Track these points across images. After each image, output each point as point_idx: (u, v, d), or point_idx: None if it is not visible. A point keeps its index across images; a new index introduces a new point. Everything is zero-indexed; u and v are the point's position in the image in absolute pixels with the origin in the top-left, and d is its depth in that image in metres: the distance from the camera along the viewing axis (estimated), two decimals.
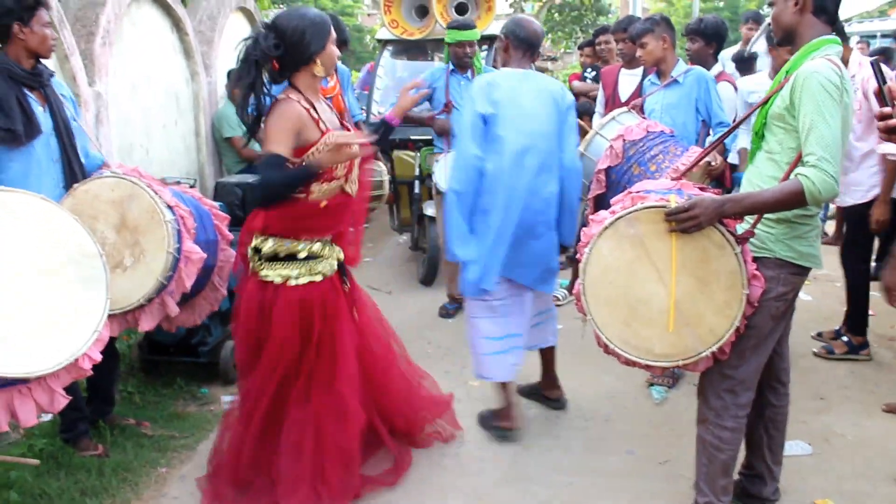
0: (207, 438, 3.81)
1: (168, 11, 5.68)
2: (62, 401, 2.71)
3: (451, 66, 5.35)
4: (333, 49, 3.02)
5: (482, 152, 3.48)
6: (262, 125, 2.97)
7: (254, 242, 3.06)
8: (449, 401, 3.85)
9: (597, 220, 2.71)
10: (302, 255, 3.06)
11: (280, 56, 2.91)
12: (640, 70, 5.29)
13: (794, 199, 2.44)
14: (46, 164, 3.27)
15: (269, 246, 3.03)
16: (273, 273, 3.04)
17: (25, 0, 3.15)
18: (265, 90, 2.93)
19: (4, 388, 2.54)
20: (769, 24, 7.03)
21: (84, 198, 3.22)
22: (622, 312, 2.61)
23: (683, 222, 2.49)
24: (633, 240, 2.58)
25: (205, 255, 3.38)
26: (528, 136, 3.51)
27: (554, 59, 18.25)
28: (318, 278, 3.09)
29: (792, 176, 2.47)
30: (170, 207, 3.28)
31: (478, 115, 3.49)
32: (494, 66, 6.12)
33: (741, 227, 2.62)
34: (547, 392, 4.10)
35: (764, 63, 6.54)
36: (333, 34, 3.02)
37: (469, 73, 5.33)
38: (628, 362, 2.68)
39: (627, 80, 5.50)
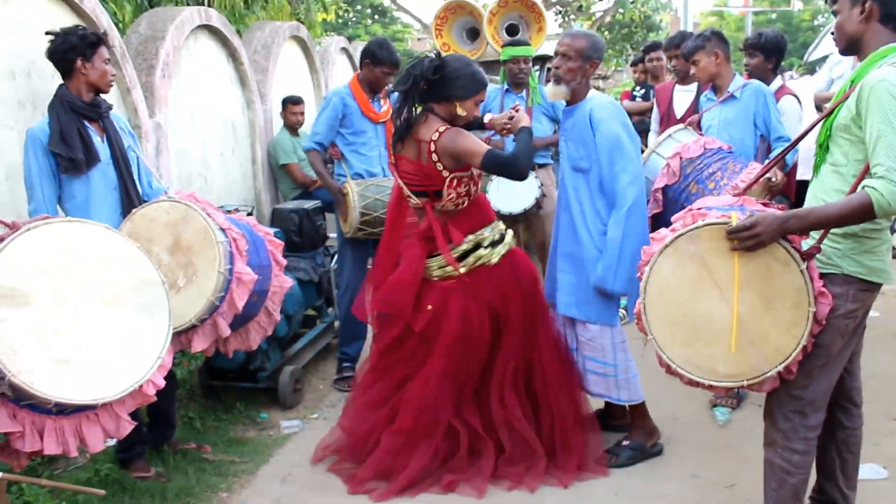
0: (267, 463, 3.85)
1: (224, 42, 5.80)
2: (128, 426, 2.76)
3: (506, 86, 5.36)
4: (474, 108, 3.47)
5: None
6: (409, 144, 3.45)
7: (460, 250, 3.51)
8: None
9: (657, 239, 2.67)
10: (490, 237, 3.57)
11: (431, 82, 3.34)
12: (694, 86, 5.23)
13: (861, 213, 2.35)
14: (105, 192, 3.42)
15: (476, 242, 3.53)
16: (490, 253, 3.54)
17: (89, 37, 3.34)
18: (414, 103, 3.42)
19: (73, 414, 2.60)
20: (822, 37, 6.91)
21: (141, 222, 3.31)
22: (684, 332, 2.56)
23: (745, 240, 2.44)
24: (695, 258, 2.53)
25: (256, 277, 3.42)
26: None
27: (605, 78, 18.23)
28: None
29: (859, 188, 2.38)
30: (222, 230, 3.34)
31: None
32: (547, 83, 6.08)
33: (806, 244, 2.55)
34: (613, 421, 4.02)
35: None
36: (483, 95, 3.49)
37: (524, 93, 5.33)
38: (691, 382, 2.62)
39: (682, 97, 5.45)
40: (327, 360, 5.22)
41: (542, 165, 5.42)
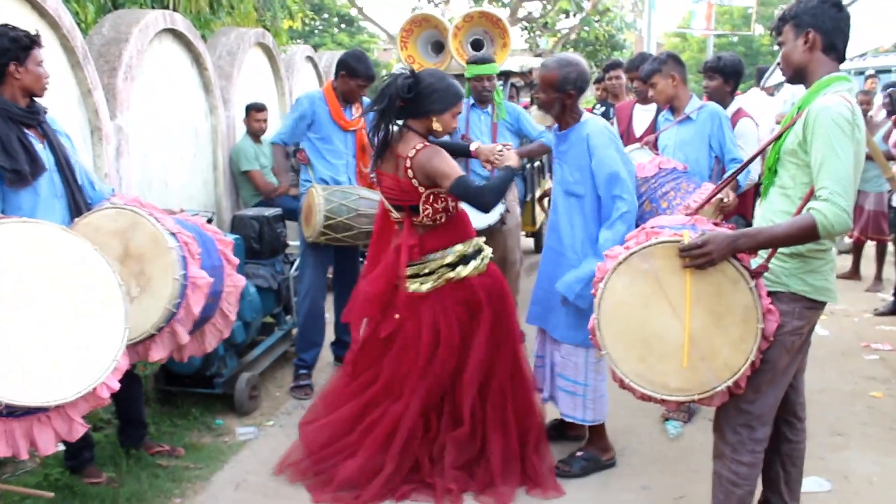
0: (222, 469, 3.83)
1: (189, 47, 5.78)
2: (80, 429, 2.73)
3: (472, 101, 5.42)
4: (451, 120, 3.50)
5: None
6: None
7: (435, 259, 3.55)
8: None
9: (611, 256, 2.72)
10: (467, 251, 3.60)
11: (406, 99, 3.38)
12: (654, 105, 5.33)
13: (807, 234, 2.45)
14: (51, 201, 3.25)
15: (450, 257, 3.55)
16: (466, 270, 3.56)
17: (21, 39, 3.13)
18: (390, 120, 3.44)
19: (24, 416, 2.57)
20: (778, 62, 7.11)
21: (85, 231, 3.15)
22: (637, 347, 2.62)
23: (697, 258, 2.51)
24: (648, 275, 2.59)
25: (212, 280, 3.36)
26: None
27: None
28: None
29: (804, 210, 2.49)
30: (173, 234, 3.26)
31: None
32: (511, 100, 6.16)
33: (755, 262, 2.63)
34: (570, 430, 4.07)
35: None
36: (459, 108, 3.54)
37: (489, 108, 5.39)
38: (644, 397, 2.68)
39: (642, 116, 5.54)
40: (284, 368, 5.20)
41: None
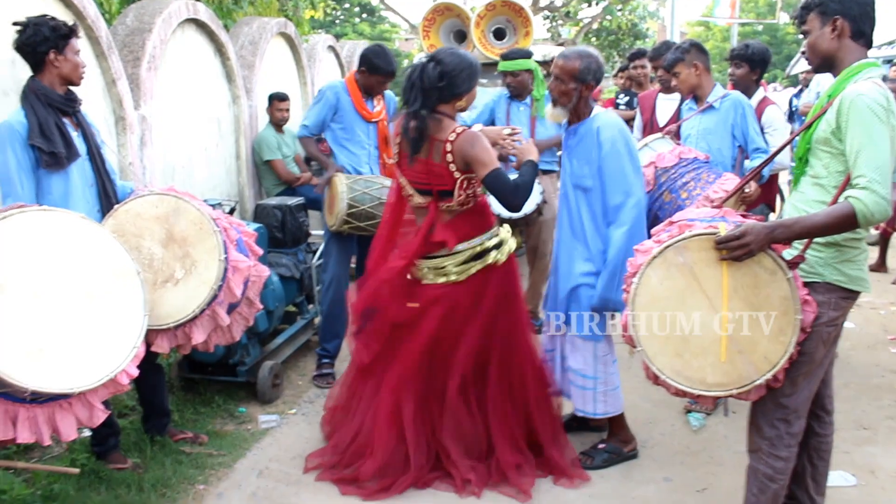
0: (245, 457, 3.86)
1: (211, 37, 5.80)
2: (101, 415, 2.77)
3: (509, 95, 5.41)
4: (473, 94, 3.26)
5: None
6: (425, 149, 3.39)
7: (460, 249, 3.47)
8: None
9: (642, 250, 2.69)
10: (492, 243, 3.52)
11: (438, 87, 3.32)
12: (678, 95, 5.28)
13: (845, 222, 2.42)
14: (82, 189, 3.35)
15: (473, 245, 3.48)
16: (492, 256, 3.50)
17: (60, 28, 3.25)
18: (421, 113, 3.32)
19: (46, 403, 2.60)
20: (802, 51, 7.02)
21: (126, 217, 3.28)
22: (673, 343, 2.59)
23: (735, 250, 2.49)
24: (683, 268, 2.56)
25: (251, 263, 3.43)
26: None
27: None
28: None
29: (842, 199, 2.45)
30: (213, 219, 3.33)
31: None
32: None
33: (788, 253, 2.59)
34: (592, 420, 4.05)
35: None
36: (479, 78, 3.41)
37: (528, 100, 5.38)
38: (679, 392, 2.64)
39: (665, 105, 5.50)
40: (307, 357, 5.23)
41: (546, 172, 5.45)
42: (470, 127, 3.56)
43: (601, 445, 3.81)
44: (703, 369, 2.57)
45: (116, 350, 2.75)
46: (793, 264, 2.54)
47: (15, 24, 3.27)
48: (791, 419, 2.72)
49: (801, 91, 7.77)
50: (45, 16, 3.29)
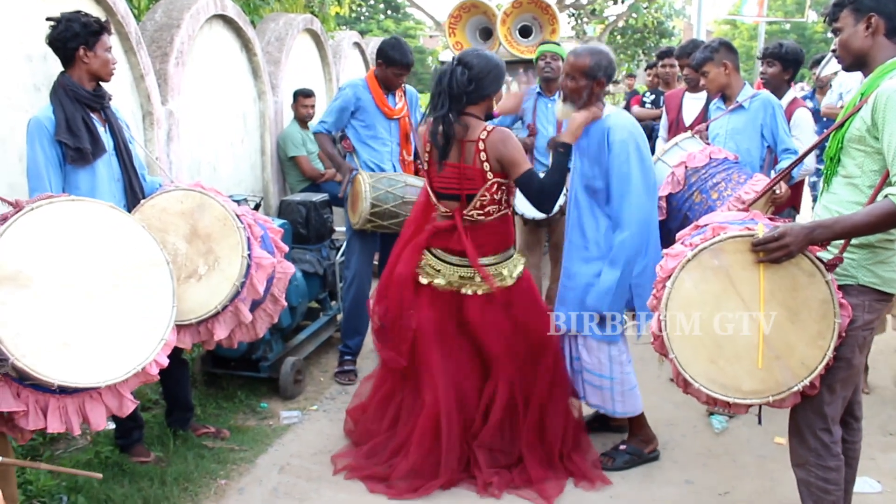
0: (266, 452, 3.88)
1: (238, 33, 5.83)
2: (130, 405, 2.78)
3: (538, 90, 5.40)
4: (502, 91, 3.28)
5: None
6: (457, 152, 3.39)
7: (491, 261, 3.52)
8: None
9: (673, 255, 2.61)
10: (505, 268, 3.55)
11: (467, 91, 3.33)
12: (704, 94, 5.24)
13: (886, 221, 2.33)
14: (109, 183, 3.38)
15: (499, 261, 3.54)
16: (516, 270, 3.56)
17: (91, 25, 3.28)
18: (449, 118, 3.33)
19: (76, 393, 2.63)
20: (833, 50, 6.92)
21: (151, 212, 3.30)
22: (707, 349, 2.51)
23: (773, 251, 2.42)
24: (718, 271, 2.48)
25: (275, 261, 3.44)
26: None
27: (616, 82, 18.23)
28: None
29: (880, 197, 2.37)
30: (237, 216, 3.34)
31: None
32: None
33: (823, 255, 2.53)
34: (613, 421, 4.05)
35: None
36: (507, 77, 3.33)
37: (556, 96, 5.37)
38: (711, 401, 2.57)
39: (691, 104, 5.46)
40: (329, 353, 5.25)
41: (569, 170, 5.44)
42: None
43: (622, 447, 3.79)
44: (738, 376, 2.49)
45: (145, 341, 2.75)
46: (830, 266, 2.48)
47: (48, 19, 3.30)
48: (832, 428, 2.65)
49: (813, 92, 7.65)
50: (79, 12, 3.32)
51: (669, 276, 2.54)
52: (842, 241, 2.52)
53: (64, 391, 2.61)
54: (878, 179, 2.44)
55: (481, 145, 3.31)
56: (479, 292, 3.52)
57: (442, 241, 3.53)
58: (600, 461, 3.71)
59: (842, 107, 6.37)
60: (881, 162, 2.43)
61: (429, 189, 3.56)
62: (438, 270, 3.54)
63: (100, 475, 2.90)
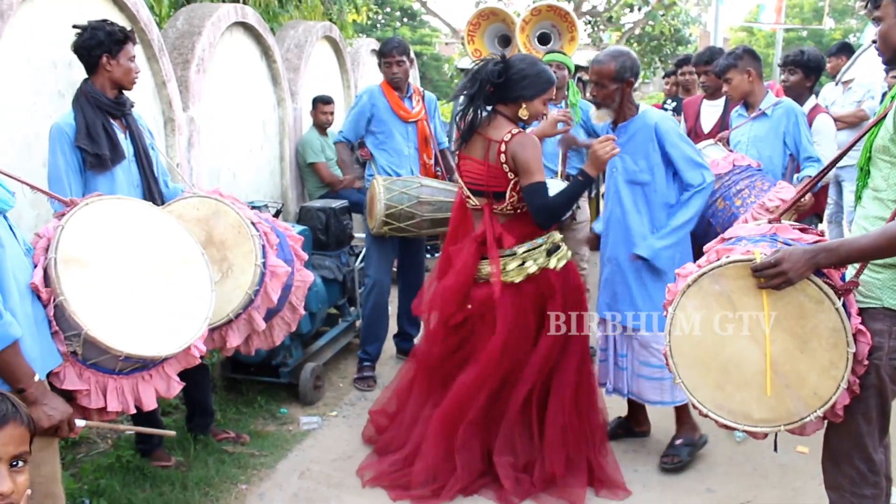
0: (286, 458, 3.89)
1: (258, 40, 5.86)
2: (177, 387, 2.83)
3: None
4: (541, 107, 3.44)
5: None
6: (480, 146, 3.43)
7: (515, 252, 3.46)
8: None
9: (682, 275, 2.53)
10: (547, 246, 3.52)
11: (497, 84, 3.36)
12: (722, 101, 5.23)
13: None
14: (128, 189, 3.41)
15: (524, 249, 3.47)
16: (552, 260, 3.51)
17: (115, 34, 3.33)
18: (479, 105, 3.39)
19: (131, 374, 2.68)
20: (857, 56, 6.87)
21: None
22: (713, 374, 2.39)
23: (771, 278, 2.23)
24: (720, 297, 2.35)
25: (290, 270, 3.44)
26: None
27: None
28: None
29: None
30: (253, 224, 3.36)
31: None
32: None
33: (848, 275, 2.38)
34: (637, 427, 4.09)
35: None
36: (551, 94, 3.46)
37: (562, 105, 5.36)
38: (725, 426, 2.45)
39: (709, 112, 5.44)
40: (348, 359, 5.25)
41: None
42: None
43: (678, 441, 3.83)
44: (747, 403, 2.37)
45: (192, 321, 2.82)
46: (844, 291, 2.27)
47: (74, 26, 3.35)
48: (872, 455, 2.44)
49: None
50: (105, 21, 3.37)
51: (673, 301, 2.46)
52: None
53: (121, 371, 2.66)
54: None
55: (504, 147, 3.34)
56: (509, 280, 3.47)
57: (481, 251, 3.51)
58: (664, 462, 3.76)
59: (854, 112, 6.35)
60: None
61: (460, 182, 3.57)
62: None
63: (173, 433, 3.12)
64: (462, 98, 3.48)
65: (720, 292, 2.36)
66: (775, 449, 2.78)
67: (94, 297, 2.56)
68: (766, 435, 2.45)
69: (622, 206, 3.64)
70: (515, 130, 3.36)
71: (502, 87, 3.39)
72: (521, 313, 3.48)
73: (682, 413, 3.83)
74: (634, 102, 3.63)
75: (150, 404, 2.74)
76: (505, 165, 3.35)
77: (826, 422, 2.43)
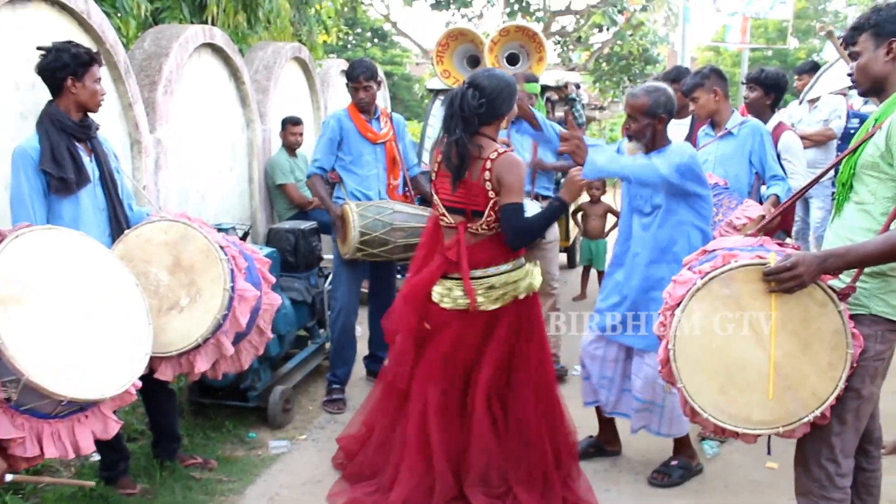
0: (255, 483, 3.83)
1: (227, 61, 5.84)
2: (115, 426, 2.79)
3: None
4: (515, 110, 3.45)
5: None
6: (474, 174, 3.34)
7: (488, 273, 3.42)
8: None
9: (681, 281, 2.58)
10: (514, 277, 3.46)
11: (479, 113, 3.32)
12: (688, 120, 5.29)
13: None
14: (93, 213, 3.37)
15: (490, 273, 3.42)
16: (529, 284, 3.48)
17: (81, 56, 3.28)
18: (463, 140, 3.30)
19: (66, 417, 2.62)
20: (819, 75, 6.97)
21: (135, 242, 3.30)
22: (717, 378, 2.47)
23: (786, 281, 2.36)
24: (729, 301, 2.44)
25: (258, 293, 3.41)
26: None
27: (602, 109, 18.40)
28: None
29: (894, 225, 2.35)
30: (221, 248, 3.32)
31: None
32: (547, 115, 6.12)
33: (835, 283, 2.49)
34: (608, 446, 4.10)
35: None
36: (517, 96, 3.45)
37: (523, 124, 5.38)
38: (719, 430, 2.53)
39: (676, 130, 5.48)
40: (317, 382, 5.20)
41: (545, 197, 5.42)
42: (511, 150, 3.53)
43: (673, 462, 3.85)
44: (748, 406, 2.45)
45: (131, 358, 2.78)
46: (843, 295, 2.43)
47: (39, 48, 3.30)
48: (839, 459, 2.58)
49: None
50: (70, 42, 3.32)
51: (679, 304, 2.50)
52: (854, 270, 2.46)
53: (56, 415, 2.59)
54: (892, 207, 2.41)
55: (489, 164, 3.31)
56: (447, 305, 3.45)
57: (448, 267, 3.47)
58: (653, 478, 3.78)
59: (818, 131, 6.45)
60: (895, 189, 2.40)
61: (436, 200, 3.52)
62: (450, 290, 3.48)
63: (92, 483, 3.01)
64: (450, 140, 3.36)
65: (729, 296, 2.45)
66: (768, 452, 2.82)
67: (31, 339, 2.48)
68: (757, 438, 2.53)
69: (645, 229, 3.68)
70: (502, 149, 3.34)
71: (485, 113, 3.34)
72: (469, 333, 3.45)
73: (684, 441, 3.85)
74: (668, 138, 3.65)
75: (87, 448, 2.68)
76: (488, 183, 3.31)
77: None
